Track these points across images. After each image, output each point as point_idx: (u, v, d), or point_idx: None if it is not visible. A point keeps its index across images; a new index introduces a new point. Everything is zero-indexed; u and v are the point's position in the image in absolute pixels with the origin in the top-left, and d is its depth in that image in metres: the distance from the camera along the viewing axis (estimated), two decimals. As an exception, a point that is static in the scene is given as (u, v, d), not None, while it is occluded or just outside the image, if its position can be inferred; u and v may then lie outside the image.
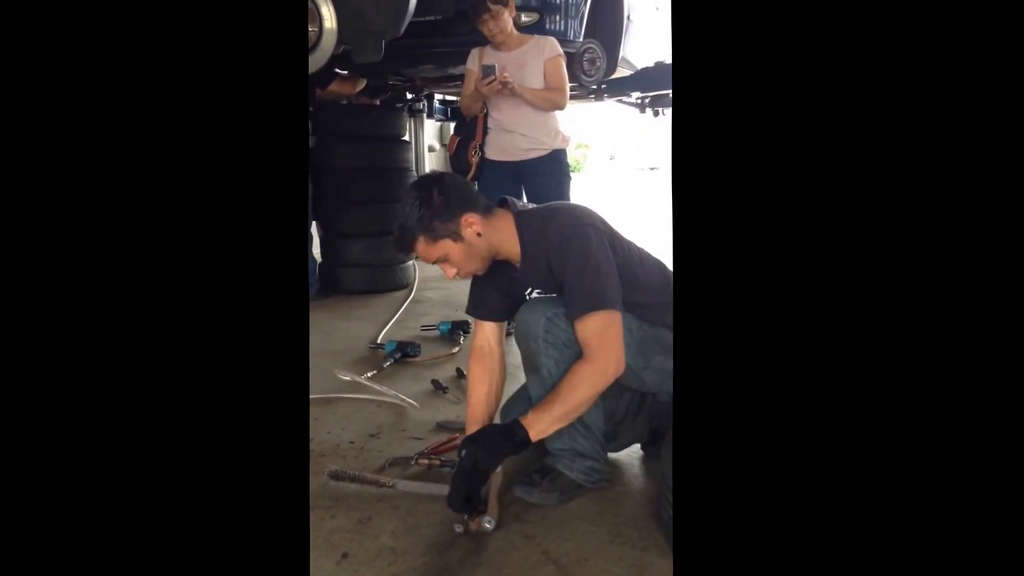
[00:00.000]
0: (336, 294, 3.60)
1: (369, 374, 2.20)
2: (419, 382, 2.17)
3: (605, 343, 1.28)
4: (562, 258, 1.31)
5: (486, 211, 1.36)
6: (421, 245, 1.32)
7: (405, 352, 2.40)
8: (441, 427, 1.80)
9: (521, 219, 1.38)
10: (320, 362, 2.32)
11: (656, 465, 1.48)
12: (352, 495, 1.43)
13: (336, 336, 2.82)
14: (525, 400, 1.47)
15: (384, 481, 1.46)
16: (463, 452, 1.29)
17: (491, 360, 1.49)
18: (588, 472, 1.40)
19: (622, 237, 1.42)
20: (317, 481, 1.48)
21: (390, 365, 2.33)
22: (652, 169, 22.09)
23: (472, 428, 1.43)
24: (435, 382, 2.12)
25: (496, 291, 1.47)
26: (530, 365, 1.39)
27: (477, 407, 1.48)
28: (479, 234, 1.33)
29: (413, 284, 3.76)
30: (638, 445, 1.60)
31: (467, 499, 1.27)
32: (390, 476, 1.48)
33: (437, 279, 3.77)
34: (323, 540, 1.26)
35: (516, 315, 1.38)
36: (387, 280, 3.68)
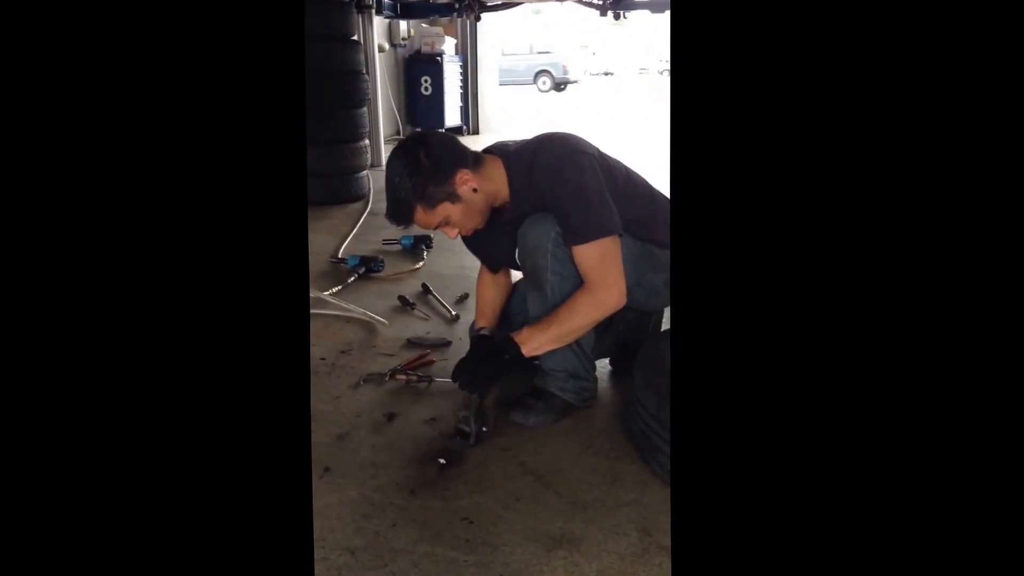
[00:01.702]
0: (289, 205, 3.48)
1: (334, 290, 2.18)
2: (385, 298, 2.17)
3: (607, 274, 1.29)
4: (555, 188, 1.29)
5: (476, 163, 1.33)
6: (419, 214, 1.30)
7: (369, 267, 2.38)
8: (412, 343, 1.82)
9: (510, 160, 1.36)
10: (281, 277, 2.28)
11: (626, 380, 1.54)
12: (330, 412, 1.45)
13: (294, 250, 2.75)
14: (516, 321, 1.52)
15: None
16: (458, 381, 1.35)
17: (499, 275, 1.55)
18: (579, 392, 1.44)
19: (609, 157, 1.41)
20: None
21: (354, 280, 2.31)
22: (607, 75, 21.64)
23: (480, 322, 1.52)
24: (402, 298, 2.12)
25: (495, 246, 1.46)
26: (534, 282, 1.37)
27: (487, 305, 1.54)
28: (475, 190, 1.31)
29: (369, 195, 3.66)
30: (606, 361, 1.66)
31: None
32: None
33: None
34: (304, 457, 1.29)
35: (520, 231, 1.36)
36: (342, 191, 3.58)
